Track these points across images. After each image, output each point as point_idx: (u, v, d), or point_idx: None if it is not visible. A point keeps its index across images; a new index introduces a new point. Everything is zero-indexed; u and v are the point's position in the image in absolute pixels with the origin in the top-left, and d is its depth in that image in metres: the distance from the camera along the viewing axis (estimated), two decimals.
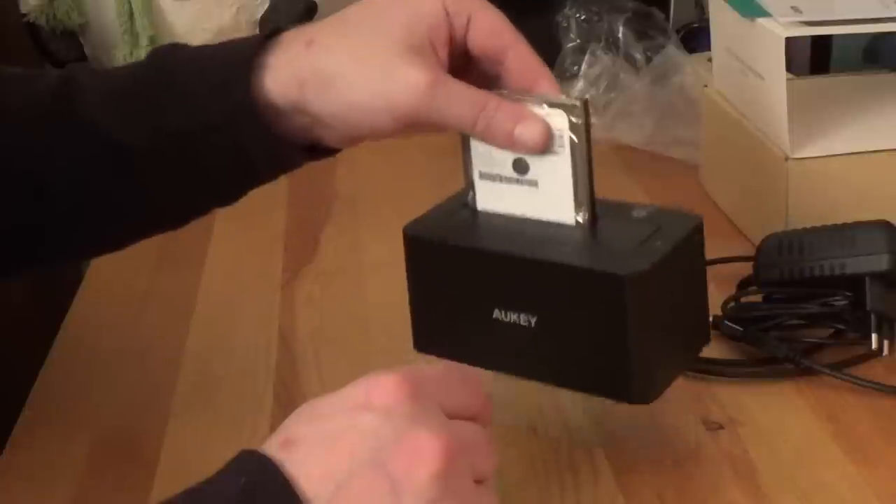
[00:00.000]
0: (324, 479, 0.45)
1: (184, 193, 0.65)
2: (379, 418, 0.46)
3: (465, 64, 0.62)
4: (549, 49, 1.18)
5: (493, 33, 0.61)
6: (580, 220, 0.61)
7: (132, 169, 0.63)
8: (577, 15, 1.18)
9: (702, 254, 0.63)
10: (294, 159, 0.64)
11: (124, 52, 1.15)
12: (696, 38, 1.25)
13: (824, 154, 0.83)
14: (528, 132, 0.59)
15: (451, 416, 0.48)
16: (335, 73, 0.59)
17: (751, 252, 0.79)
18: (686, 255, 0.62)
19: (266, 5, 1.18)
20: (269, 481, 0.45)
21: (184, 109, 0.62)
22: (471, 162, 0.63)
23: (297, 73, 0.60)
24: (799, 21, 0.82)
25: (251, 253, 0.97)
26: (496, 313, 0.62)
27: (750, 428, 0.67)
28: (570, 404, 0.71)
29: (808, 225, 0.76)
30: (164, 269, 0.95)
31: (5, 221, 0.64)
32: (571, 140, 0.60)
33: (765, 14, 0.84)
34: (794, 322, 0.74)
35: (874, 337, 0.71)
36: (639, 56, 1.16)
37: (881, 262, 0.72)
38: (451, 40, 0.61)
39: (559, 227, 0.62)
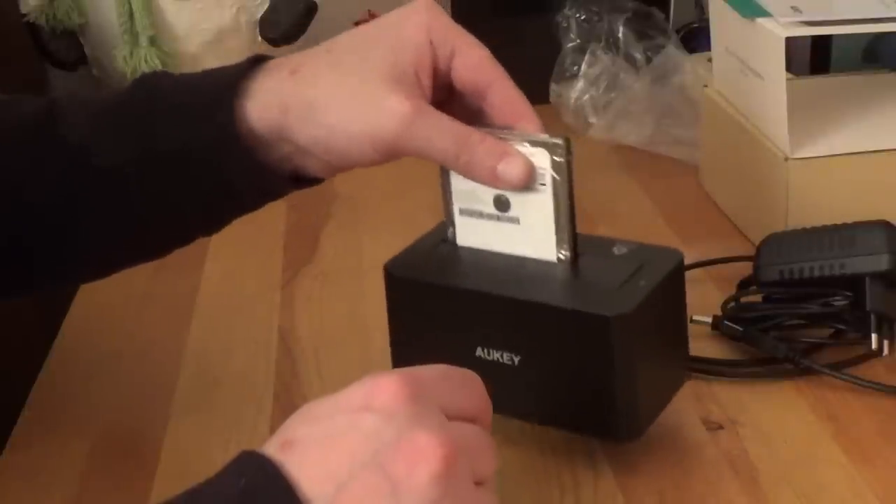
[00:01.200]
0: (324, 480, 0.45)
1: (168, 218, 0.65)
2: (380, 420, 0.46)
3: (448, 97, 0.62)
4: (549, 49, 1.18)
5: (478, 67, 0.61)
6: (562, 257, 0.61)
7: (117, 192, 0.63)
8: (577, 15, 1.18)
9: (682, 289, 0.64)
10: (277, 187, 0.64)
11: (124, 52, 1.15)
12: (696, 38, 1.25)
13: (824, 154, 0.83)
14: (510, 169, 0.60)
15: (452, 418, 0.48)
16: (318, 100, 0.60)
17: (751, 252, 0.79)
18: (668, 291, 0.62)
19: (266, 5, 1.18)
20: (269, 483, 0.45)
21: (165, 133, 0.62)
22: (451, 197, 0.63)
23: (280, 100, 0.60)
24: (799, 21, 0.82)
25: (251, 253, 0.97)
26: (479, 351, 0.62)
27: (750, 428, 0.67)
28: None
29: (808, 225, 0.76)
30: (164, 269, 0.95)
31: None
32: (553, 178, 0.60)
33: (765, 14, 0.84)
34: (794, 322, 0.74)
35: (874, 337, 0.71)
36: (639, 56, 1.16)
37: (881, 262, 0.72)
38: (436, 72, 0.61)
39: (541, 264, 0.62)
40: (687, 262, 0.84)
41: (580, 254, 0.62)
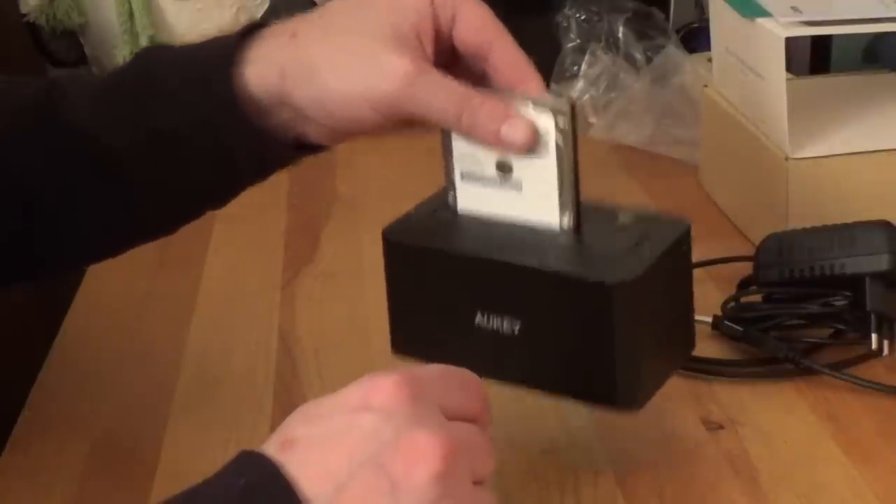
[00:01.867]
0: (323, 479, 0.45)
1: (173, 195, 0.65)
2: (379, 419, 0.46)
3: (450, 60, 0.61)
4: (549, 49, 1.18)
5: (480, 28, 0.60)
6: (565, 224, 0.60)
7: (119, 172, 0.63)
8: (577, 15, 1.18)
9: (689, 260, 0.62)
10: (279, 156, 0.63)
11: (124, 52, 1.15)
12: (696, 38, 1.25)
13: (824, 154, 0.83)
14: (514, 132, 0.58)
15: (451, 418, 0.48)
16: (317, 62, 0.59)
17: (751, 252, 0.79)
18: (673, 261, 0.61)
19: (266, 5, 1.18)
20: (268, 482, 0.45)
21: (166, 108, 0.61)
22: (452, 161, 0.62)
23: (278, 64, 0.59)
24: (799, 21, 0.82)
25: (251, 253, 0.97)
26: (478, 318, 0.61)
27: (750, 428, 0.67)
28: (569, 404, 0.71)
29: (808, 225, 0.76)
30: (164, 269, 0.95)
31: None
32: (557, 142, 0.58)
33: (765, 14, 0.84)
34: (794, 322, 0.74)
35: (874, 337, 0.71)
36: (639, 56, 1.16)
37: (881, 262, 0.72)
38: (437, 34, 0.60)
39: (543, 230, 0.60)
40: None
41: (584, 221, 0.60)
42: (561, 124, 0.58)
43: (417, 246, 0.62)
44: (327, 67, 0.59)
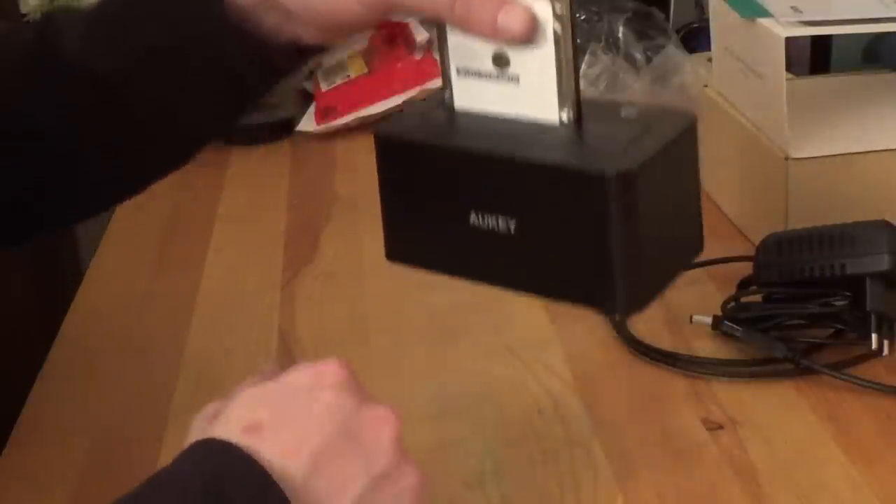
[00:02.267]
0: (299, 455, 0.47)
1: (182, 118, 0.63)
2: (339, 393, 0.50)
3: None
4: None
5: None
6: (564, 118, 0.57)
7: (123, 101, 0.62)
8: (578, 15, 1.18)
9: (695, 153, 0.59)
10: (276, 60, 0.62)
11: None
12: (696, 38, 1.25)
13: (824, 154, 0.83)
14: (511, 19, 0.55)
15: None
16: None
17: (751, 252, 0.79)
18: (678, 155, 0.58)
19: None
20: (238, 464, 0.46)
21: (156, 25, 0.61)
22: (448, 57, 0.59)
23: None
24: (799, 21, 0.82)
25: (251, 253, 0.97)
26: (473, 218, 0.58)
27: (750, 428, 0.67)
28: (570, 404, 0.71)
29: (808, 225, 0.76)
30: (164, 269, 0.95)
31: (4, 178, 0.63)
32: (555, 30, 0.55)
33: (765, 14, 0.84)
34: (794, 322, 0.74)
35: (874, 337, 0.70)
36: (639, 56, 1.16)
37: (881, 262, 0.72)
38: None
39: (542, 125, 0.58)
40: None
41: (584, 115, 0.57)
42: (558, 10, 0.55)
43: (411, 143, 0.60)
44: None
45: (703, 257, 0.85)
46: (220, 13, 0.59)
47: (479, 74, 0.59)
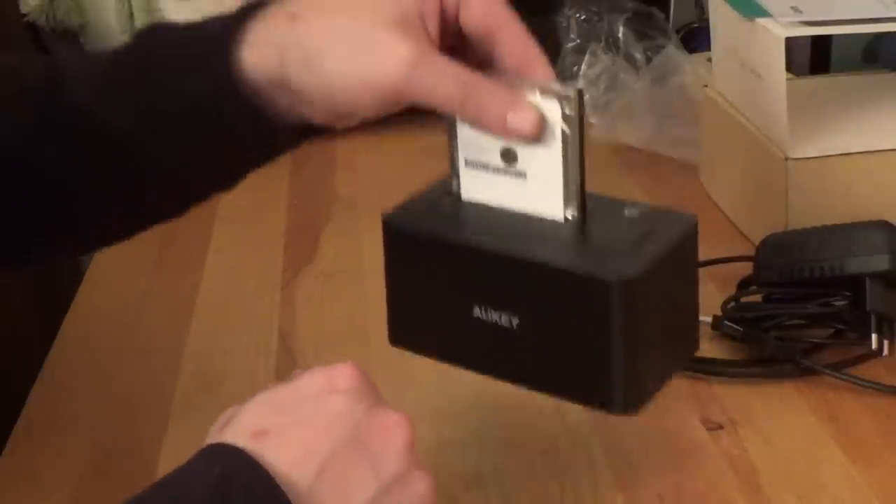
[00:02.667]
0: (305, 461, 0.47)
1: (179, 178, 0.64)
2: (349, 399, 0.50)
3: (456, 44, 0.60)
4: (549, 49, 1.18)
5: (487, 11, 0.59)
6: (569, 215, 0.58)
7: (124, 155, 0.62)
8: (577, 15, 1.18)
9: (695, 257, 0.61)
10: (284, 137, 0.62)
11: None
12: (696, 38, 1.25)
13: (824, 154, 0.83)
14: (520, 119, 0.56)
15: None
16: (317, 47, 0.57)
17: (751, 252, 0.79)
18: (678, 259, 0.59)
19: None
20: (244, 469, 0.46)
21: (165, 89, 0.61)
22: (457, 148, 0.60)
23: (277, 47, 0.58)
24: (799, 21, 0.82)
25: (251, 253, 0.97)
26: (476, 311, 0.59)
27: (750, 428, 0.67)
28: (570, 404, 0.71)
29: (808, 225, 0.76)
30: (164, 269, 0.95)
31: (3, 215, 0.63)
32: (563, 131, 0.57)
33: (765, 14, 0.84)
34: (794, 322, 0.74)
35: (874, 337, 0.71)
36: (639, 56, 1.16)
37: (881, 262, 0.72)
38: (443, 16, 0.58)
39: (547, 222, 0.59)
40: None
41: (589, 212, 0.58)
42: (567, 111, 0.56)
43: (418, 233, 0.61)
44: (327, 53, 0.57)
45: (703, 257, 0.86)
46: (230, 82, 0.59)
47: (486, 167, 0.60)
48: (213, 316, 0.86)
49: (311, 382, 0.51)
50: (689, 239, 0.60)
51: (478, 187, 0.61)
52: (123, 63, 0.63)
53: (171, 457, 0.69)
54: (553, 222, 0.59)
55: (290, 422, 0.49)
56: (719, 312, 0.76)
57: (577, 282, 0.56)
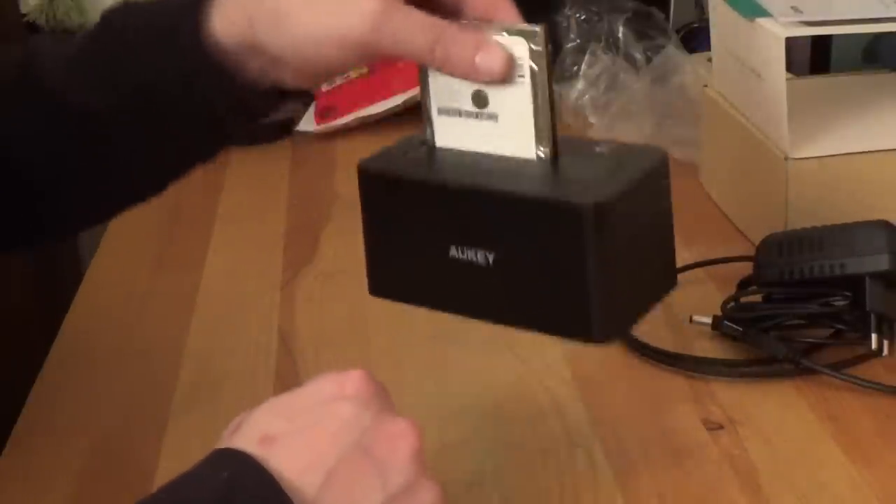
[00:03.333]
0: (312, 469, 0.47)
1: (159, 153, 0.64)
2: (356, 406, 0.49)
3: None
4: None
5: None
6: (541, 154, 0.59)
7: (102, 134, 0.63)
8: (577, 15, 1.18)
9: (667, 192, 0.61)
10: (258, 103, 0.63)
11: None
12: (696, 38, 1.25)
13: (824, 154, 0.83)
14: (489, 59, 0.57)
15: None
16: (283, 7, 0.58)
17: (751, 252, 0.79)
18: (650, 190, 0.59)
19: None
20: (251, 475, 0.46)
21: (138, 63, 0.61)
22: (429, 96, 0.61)
23: (245, 11, 0.59)
24: (799, 21, 0.82)
25: (251, 253, 0.97)
26: (453, 251, 0.59)
27: (750, 428, 0.67)
28: (570, 404, 0.71)
29: (808, 225, 0.76)
30: (164, 269, 0.95)
31: None
32: (532, 69, 0.57)
33: (765, 14, 0.84)
34: (794, 322, 0.74)
35: (874, 337, 0.71)
36: (639, 56, 1.16)
37: (881, 262, 0.72)
38: None
39: (519, 161, 0.59)
40: (687, 262, 0.85)
41: (561, 151, 0.59)
42: (535, 49, 0.57)
43: (392, 176, 0.61)
44: (294, 11, 0.58)
45: (703, 257, 0.86)
46: (200, 51, 0.59)
47: (459, 113, 0.61)
48: (213, 316, 0.86)
49: (320, 389, 0.51)
50: (660, 170, 0.60)
51: (451, 134, 0.61)
52: (94, 41, 0.63)
53: (171, 457, 0.69)
54: (526, 160, 0.59)
55: (298, 428, 0.48)
56: (719, 312, 0.76)
57: (551, 210, 0.56)
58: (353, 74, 1.26)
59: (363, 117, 1.21)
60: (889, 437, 0.66)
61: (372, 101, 1.21)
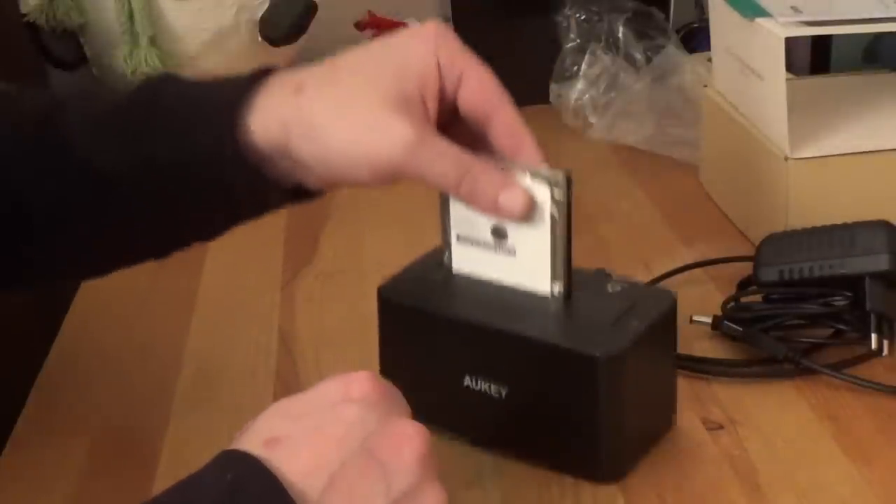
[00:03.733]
0: (315, 471, 0.47)
1: (166, 225, 0.65)
2: (362, 409, 0.49)
3: (451, 119, 0.62)
4: (549, 49, 1.18)
5: (484, 94, 0.61)
6: (555, 291, 0.62)
7: (114, 196, 0.63)
8: (577, 15, 1.18)
9: (674, 332, 0.64)
10: (276, 200, 0.64)
11: (124, 52, 1.15)
12: (696, 38, 1.25)
13: (824, 154, 0.83)
14: (511, 200, 0.59)
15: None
16: (321, 123, 0.59)
17: (751, 252, 0.79)
18: (659, 334, 0.63)
19: (266, 5, 1.18)
20: (255, 477, 0.46)
21: (168, 142, 0.62)
22: (449, 223, 0.64)
23: (282, 119, 0.60)
24: (799, 21, 0.82)
25: (251, 253, 0.97)
26: (467, 380, 0.62)
27: (750, 428, 0.67)
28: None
29: (808, 225, 0.76)
30: (164, 269, 0.95)
31: None
32: (553, 215, 0.60)
33: (765, 14, 0.84)
34: (794, 322, 0.74)
35: (874, 337, 0.71)
36: (639, 56, 1.16)
37: (881, 262, 0.72)
38: (442, 96, 0.60)
39: (534, 297, 0.62)
40: (687, 262, 0.85)
41: (574, 287, 0.62)
42: (557, 196, 0.60)
43: (411, 306, 0.64)
44: (330, 127, 0.59)
45: (703, 257, 0.86)
46: (234, 148, 0.60)
47: (477, 243, 0.63)
48: (214, 315, 0.86)
49: (326, 391, 0.50)
50: (669, 315, 0.63)
51: (468, 261, 0.64)
52: (126, 109, 0.64)
53: (172, 457, 0.69)
54: (540, 297, 0.62)
55: (302, 430, 0.48)
56: (719, 312, 0.76)
57: (564, 356, 0.60)
58: None
59: None
60: (889, 436, 0.66)
61: None
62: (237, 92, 0.61)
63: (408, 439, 0.48)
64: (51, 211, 0.64)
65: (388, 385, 0.51)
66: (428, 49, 0.60)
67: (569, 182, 0.60)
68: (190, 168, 0.62)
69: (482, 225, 0.62)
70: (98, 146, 0.63)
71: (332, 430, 0.48)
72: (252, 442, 0.48)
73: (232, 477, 0.46)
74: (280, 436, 0.48)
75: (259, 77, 0.61)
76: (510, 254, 0.62)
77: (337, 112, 0.59)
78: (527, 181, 0.60)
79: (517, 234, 0.62)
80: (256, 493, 0.45)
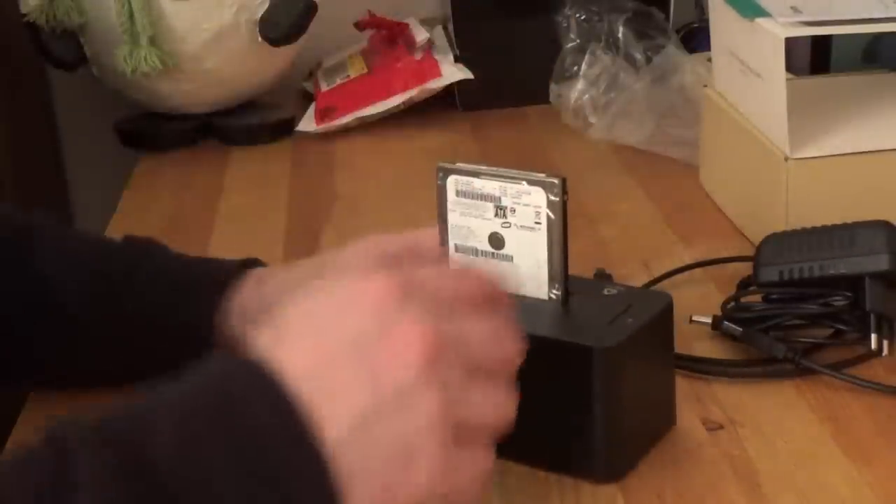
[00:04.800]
0: (305, 372, 0.44)
1: (126, 362, 0.70)
2: (367, 314, 0.46)
3: None
4: (549, 49, 1.18)
5: None
6: (553, 296, 0.63)
7: (79, 336, 0.69)
8: (577, 15, 1.18)
9: (671, 331, 0.65)
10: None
11: (124, 52, 1.15)
12: (696, 38, 1.25)
13: (824, 154, 0.83)
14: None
15: (456, 310, 0.48)
16: (284, 324, 0.59)
17: (751, 252, 0.79)
18: (656, 332, 0.63)
19: (266, 5, 1.18)
20: (248, 371, 0.46)
21: (143, 306, 0.69)
22: (447, 234, 0.64)
23: (250, 316, 0.67)
24: (799, 21, 0.82)
25: (251, 253, 0.96)
26: None
27: (750, 428, 0.67)
28: None
29: (808, 225, 0.76)
30: None
31: None
32: (548, 217, 0.61)
33: (765, 14, 0.84)
34: (794, 322, 0.74)
35: (874, 337, 0.71)
36: (639, 56, 1.16)
37: (881, 262, 0.72)
38: None
39: (533, 301, 0.63)
40: (687, 262, 0.85)
41: (571, 293, 0.63)
42: (552, 200, 0.60)
43: None
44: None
45: (703, 257, 0.86)
46: (202, 336, 0.68)
47: (475, 252, 0.64)
48: None
49: (342, 291, 0.48)
50: (665, 314, 0.64)
51: None
52: (108, 266, 0.71)
53: None
54: (538, 301, 0.63)
55: (304, 326, 0.47)
56: (719, 312, 0.76)
57: (561, 350, 0.60)
58: (352, 74, 1.26)
59: (363, 117, 1.21)
60: (889, 436, 0.66)
61: (372, 101, 1.21)
62: (219, 285, 0.69)
63: (406, 346, 0.45)
64: (11, 332, 0.70)
65: (405, 286, 0.47)
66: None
67: (564, 186, 0.60)
68: (161, 332, 0.69)
69: (479, 234, 0.63)
70: (69, 289, 0.70)
71: (330, 334, 0.46)
72: (265, 334, 0.47)
73: (221, 369, 0.47)
74: (282, 335, 0.46)
75: (244, 266, 0.71)
76: (508, 261, 0.63)
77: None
78: (524, 188, 0.61)
79: (514, 242, 0.62)
80: (242, 370, 0.46)
